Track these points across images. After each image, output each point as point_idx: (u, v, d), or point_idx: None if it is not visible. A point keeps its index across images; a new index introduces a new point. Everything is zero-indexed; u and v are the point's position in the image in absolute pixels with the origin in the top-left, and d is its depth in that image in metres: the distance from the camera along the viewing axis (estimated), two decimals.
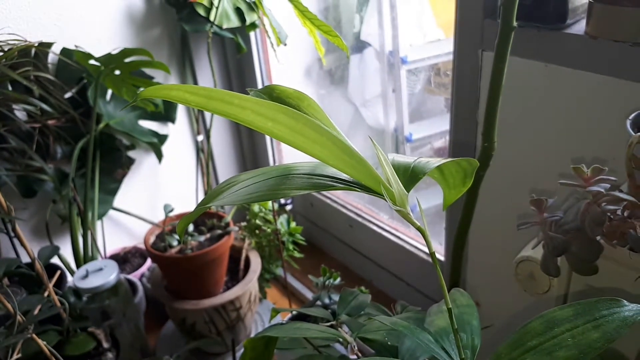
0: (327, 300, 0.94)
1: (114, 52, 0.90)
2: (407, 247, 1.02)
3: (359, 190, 0.33)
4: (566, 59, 0.63)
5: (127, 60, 0.91)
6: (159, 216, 1.30)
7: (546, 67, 0.65)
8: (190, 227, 0.96)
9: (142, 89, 1.00)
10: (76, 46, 0.96)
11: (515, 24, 0.45)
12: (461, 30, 0.73)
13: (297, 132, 0.29)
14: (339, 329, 0.54)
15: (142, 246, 1.25)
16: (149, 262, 1.20)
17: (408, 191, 0.34)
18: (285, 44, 0.91)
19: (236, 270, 1.03)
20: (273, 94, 0.36)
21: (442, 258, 0.96)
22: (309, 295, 1.17)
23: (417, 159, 0.37)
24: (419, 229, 0.34)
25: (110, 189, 1.18)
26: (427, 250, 1.00)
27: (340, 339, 0.48)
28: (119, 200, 1.20)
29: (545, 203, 0.43)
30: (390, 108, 1.42)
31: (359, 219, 1.12)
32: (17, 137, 1.02)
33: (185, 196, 1.33)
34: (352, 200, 1.19)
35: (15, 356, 0.75)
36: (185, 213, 1.02)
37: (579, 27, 0.64)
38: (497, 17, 0.66)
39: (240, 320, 1.00)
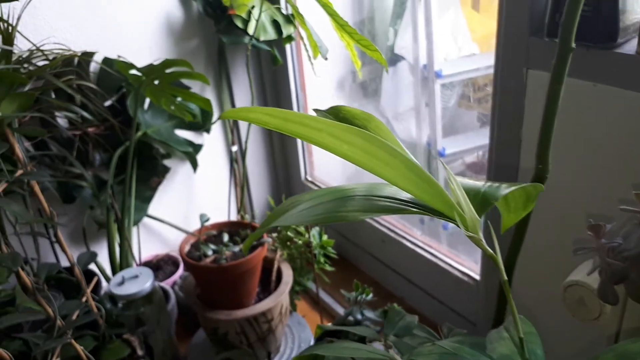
0: (359, 316, 0.93)
1: (155, 63, 0.92)
2: (441, 264, 1.01)
3: (427, 214, 0.33)
4: (616, 79, 0.62)
5: (167, 71, 0.93)
6: (191, 225, 1.32)
7: (595, 86, 0.64)
8: (225, 237, 0.97)
9: (179, 98, 1.02)
10: (119, 56, 0.98)
11: (573, 45, 0.44)
12: (505, 47, 0.72)
13: (371, 154, 0.29)
14: (389, 350, 0.53)
15: (175, 254, 1.26)
16: (181, 270, 1.21)
17: (480, 217, 0.33)
18: (326, 58, 0.91)
19: (268, 282, 1.03)
20: (339, 115, 0.36)
21: (477, 277, 0.94)
22: (339, 309, 1.16)
23: (486, 183, 0.37)
24: (491, 256, 0.33)
25: (145, 196, 1.19)
26: (461, 268, 0.98)
27: None
28: (152, 208, 1.22)
29: (604, 228, 0.42)
30: (423, 122, 1.41)
31: (392, 234, 1.11)
32: (59, 144, 1.05)
33: (218, 206, 1.34)
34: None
35: None
36: (220, 223, 1.03)
37: (630, 47, 0.63)
38: (544, 35, 0.66)
39: (271, 332, 1.00)
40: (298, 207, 0.33)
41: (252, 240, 0.35)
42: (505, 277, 0.34)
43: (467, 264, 0.98)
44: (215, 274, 0.92)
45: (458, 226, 0.32)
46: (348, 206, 0.32)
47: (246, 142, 1.09)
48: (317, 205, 0.33)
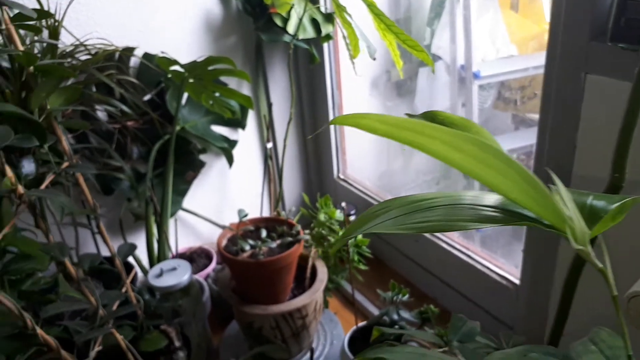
0: (395, 317, 0.93)
1: (198, 60, 0.93)
2: (478, 267, 0.99)
3: (535, 224, 0.32)
4: None
5: (210, 68, 0.93)
6: (224, 219, 1.33)
7: None
8: (264, 233, 0.98)
9: (217, 94, 1.03)
10: (162, 52, 0.99)
11: None
12: (562, 51, 0.70)
13: (484, 163, 0.28)
14: (456, 357, 0.53)
15: (208, 247, 1.27)
16: (214, 263, 1.22)
17: (590, 229, 0.32)
18: (374, 58, 0.91)
19: (302, 278, 1.04)
20: (436, 120, 0.35)
21: (516, 281, 0.93)
22: (371, 308, 1.16)
23: (589, 195, 0.35)
24: (600, 270, 0.32)
25: (181, 190, 1.21)
26: (499, 272, 0.97)
27: None
28: (186, 202, 1.23)
29: None
30: None
31: (426, 235, 1.11)
32: (98, 137, 1.07)
33: (250, 201, 1.35)
34: None
35: (96, 348, 0.78)
36: (257, 218, 1.03)
37: None
38: (607, 39, 0.64)
39: (305, 328, 1.00)
40: (389, 213, 0.33)
41: (338, 245, 0.35)
42: (616, 292, 0.32)
43: (505, 267, 0.97)
44: (253, 269, 0.92)
45: (567, 239, 0.30)
46: (453, 215, 0.32)
47: (285, 139, 1.10)
48: (411, 214, 0.32)
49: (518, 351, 0.36)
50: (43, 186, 0.74)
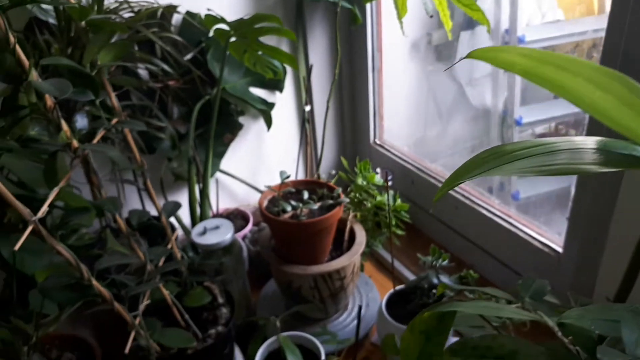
0: (434, 281, 0.93)
1: (245, 18, 0.91)
2: (519, 234, 0.99)
3: None
4: None
5: (256, 26, 0.92)
6: (258, 182, 1.33)
7: None
8: (306, 195, 0.98)
9: (260, 52, 1.02)
10: (208, 9, 0.98)
11: None
12: (632, 13, 0.67)
13: (628, 105, 0.25)
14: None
15: (244, 209, 1.29)
16: (250, 225, 1.23)
17: None
18: (431, 16, 0.89)
19: (340, 242, 1.04)
20: None
21: (559, 249, 0.92)
22: (406, 273, 1.17)
23: None
24: None
25: (219, 151, 1.21)
26: (541, 239, 0.96)
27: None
28: (222, 164, 1.24)
29: None
30: (500, 89, 1.36)
31: (466, 201, 1.10)
32: (141, 95, 1.07)
33: (285, 165, 1.36)
34: None
35: (145, 302, 0.80)
36: (298, 181, 1.04)
37: None
38: None
39: (342, 290, 1.01)
40: (502, 158, 0.32)
41: (441, 194, 0.34)
42: None
43: (548, 235, 0.96)
44: (294, 229, 0.93)
45: None
46: (579, 159, 0.31)
47: (328, 101, 1.08)
48: (532, 158, 0.32)
49: (597, 308, 0.36)
50: (95, 141, 0.75)
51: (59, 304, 0.76)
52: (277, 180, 1.00)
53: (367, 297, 1.11)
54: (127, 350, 0.73)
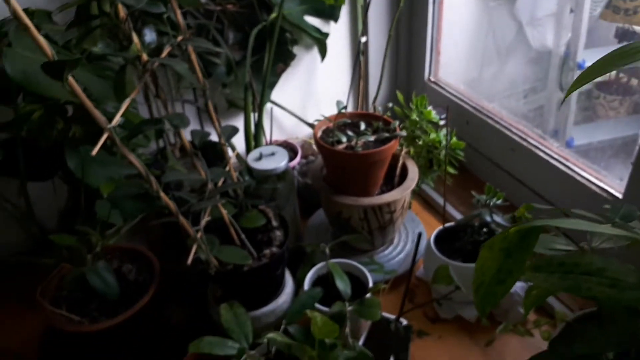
0: (487, 219, 0.93)
1: None
2: (577, 178, 0.96)
3: None
4: None
5: None
6: (307, 115, 1.33)
7: None
8: (362, 126, 0.97)
9: None
10: None
11: None
12: None
13: None
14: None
15: (292, 141, 1.29)
16: (299, 157, 1.24)
17: None
18: None
19: (391, 177, 1.04)
20: None
21: (619, 195, 0.90)
22: (454, 213, 1.17)
23: None
24: None
25: (270, 82, 1.21)
26: (600, 184, 0.94)
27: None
28: (272, 95, 1.23)
29: None
30: (563, 29, 1.30)
31: (524, 143, 1.07)
32: (200, 17, 1.06)
33: (335, 99, 1.34)
34: (516, 121, 1.13)
35: (205, 218, 0.82)
36: (354, 112, 1.03)
37: None
38: None
39: (391, 223, 1.02)
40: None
41: (579, 85, 0.32)
42: None
43: (607, 180, 0.94)
44: (349, 160, 0.93)
45: None
46: None
47: (390, 30, 1.05)
48: None
49: None
50: (162, 56, 0.75)
51: (123, 215, 0.79)
52: (325, 115, 0.99)
53: (414, 233, 1.12)
54: (189, 261, 0.77)
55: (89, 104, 0.60)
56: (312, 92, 1.35)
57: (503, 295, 0.42)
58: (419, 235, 0.76)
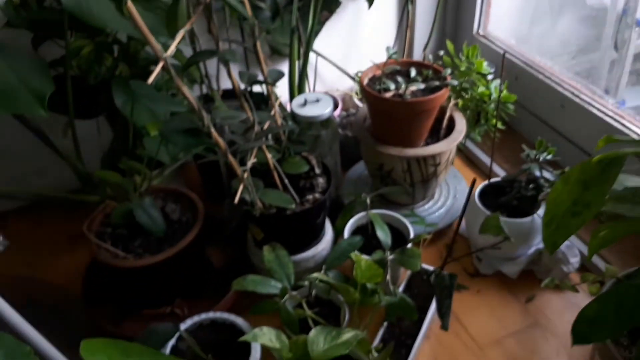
0: (537, 173, 0.91)
1: None
2: (634, 137, 0.93)
3: None
4: None
5: None
6: (348, 67, 1.30)
7: None
8: (413, 73, 0.95)
9: None
10: None
11: None
12: None
13: None
14: None
15: (333, 93, 1.27)
16: (339, 109, 1.22)
17: None
18: None
19: (437, 130, 1.02)
20: None
21: None
22: (498, 171, 1.14)
23: None
24: None
25: (315, 30, 1.18)
26: None
27: None
28: (314, 45, 1.21)
29: None
30: None
31: (575, 100, 1.03)
32: None
33: (379, 50, 1.31)
34: (568, 77, 1.09)
35: (252, 159, 0.82)
36: (403, 60, 1.00)
37: None
38: None
39: (434, 177, 1.00)
40: None
41: None
42: None
43: None
44: (397, 108, 0.91)
45: None
46: None
47: None
48: None
49: None
50: None
51: (174, 151, 0.79)
52: (369, 64, 0.97)
53: (455, 189, 1.11)
54: (236, 200, 0.77)
55: (145, 30, 0.59)
56: (354, 43, 1.31)
57: (578, 229, 0.41)
58: (474, 180, 0.74)
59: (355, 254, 0.77)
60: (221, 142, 0.74)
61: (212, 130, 0.72)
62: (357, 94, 1.27)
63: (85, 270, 0.98)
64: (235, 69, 1.13)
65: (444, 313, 0.77)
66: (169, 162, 0.83)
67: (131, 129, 0.86)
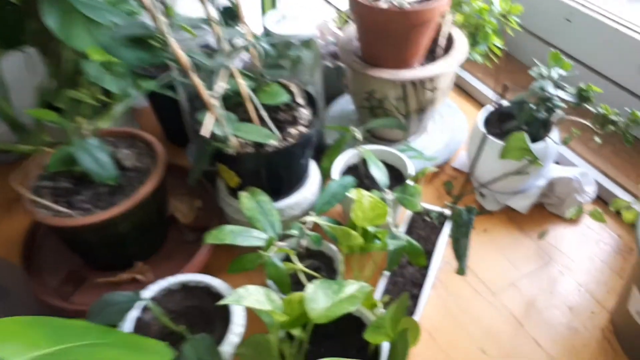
0: (551, 91, 0.79)
1: None
2: None
3: None
4: None
5: None
6: None
7: None
8: None
9: None
10: None
11: None
12: None
13: None
14: None
15: None
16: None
17: None
18: None
19: (432, 49, 0.88)
20: None
21: None
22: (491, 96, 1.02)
23: None
24: None
25: None
26: None
27: None
28: None
29: None
30: None
31: (584, 10, 0.91)
32: None
33: None
34: None
35: (221, 83, 0.66)
36: None
37: None
38: None
39: (431, 104, 0.88)
40: None
41: None
42: None
43: None
44: (393, 20, 0.77)
45: None
46: None
47: None
48: None
49: None
50: None
51: (122, 66, 0.61)
52: None
53: (452, 121, 0.98)
54: (203, 131, 0.62)
55: None
56: None
57: None
58: (504, 86, 0.62)
59: (355, 191, 0.64)
60: (182, 56, 0.58)
61: (170, 39, 0.56)
62: (335, 21, 1.12)
63: (25, 235, 0.81)
64: None
65: (461, 254, 0.66)
66: (117, 91, 0.66)
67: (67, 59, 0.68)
